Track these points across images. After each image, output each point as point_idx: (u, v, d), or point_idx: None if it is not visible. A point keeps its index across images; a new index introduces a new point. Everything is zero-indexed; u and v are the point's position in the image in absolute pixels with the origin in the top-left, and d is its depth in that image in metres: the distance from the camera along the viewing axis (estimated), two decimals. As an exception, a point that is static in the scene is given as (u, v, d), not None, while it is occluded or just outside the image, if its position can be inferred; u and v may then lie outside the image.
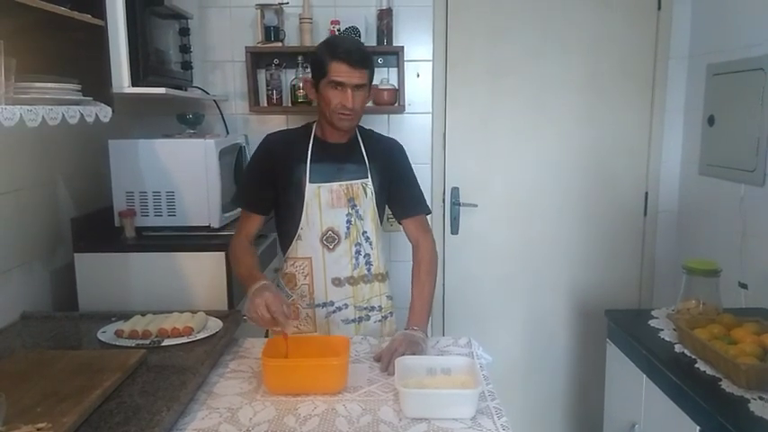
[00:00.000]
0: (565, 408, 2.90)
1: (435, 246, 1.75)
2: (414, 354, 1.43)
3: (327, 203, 1.64)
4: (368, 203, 1.67)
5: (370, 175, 1.67)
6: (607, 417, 2.01)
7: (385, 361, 1.43)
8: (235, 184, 2.25)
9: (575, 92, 2.67)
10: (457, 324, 2.81)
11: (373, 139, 1.75)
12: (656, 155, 2.70)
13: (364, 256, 1.69)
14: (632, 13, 2.62)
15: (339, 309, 1.69)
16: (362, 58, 1.57)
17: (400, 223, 1.75)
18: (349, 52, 1.56)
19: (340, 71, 1.55)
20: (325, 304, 1.69)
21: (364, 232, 1.68)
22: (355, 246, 1.67)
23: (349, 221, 1.66)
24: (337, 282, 1.68)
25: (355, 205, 1.66)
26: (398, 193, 1.73)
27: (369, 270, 1.70)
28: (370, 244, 1.69)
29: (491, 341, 2.24)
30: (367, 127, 1.78)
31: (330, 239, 1.65)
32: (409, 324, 1.59)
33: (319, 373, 1.33)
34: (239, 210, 2.23)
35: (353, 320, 1.70)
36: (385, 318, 1.75)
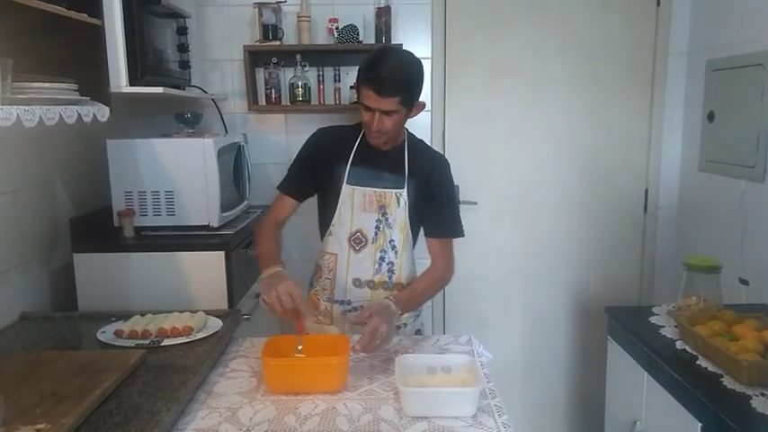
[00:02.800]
0: (566, 405, 2.90)
1: (449, 275, 1.72)
2: (388, 326, 1.42)
3: (359, 206, 1.65)
4: (399, 213, 1.66)
5: (406, 187, 1.66)
6: (608, 414, 2.01)
7: (364, 342, 1.39)
8: (234, 184, 2.24)
9: (574, 89, 2.67)
10: (457, 322, 2.80)
11: (420, 151, 1.72)
12: (655, 151, 2.70)
13: (387, 264, 1.69)
14: (631, 9, 2.61)
15: (355, 309, 1.69)
16: (392, 86, 1.50)
17: (426, 238, 1.73)
18: (378, 80, 1.49)
19: (368, 97, 1.53)
20: (342, 302, 1.71)
21: (391, 240, 1.68)
22: (380, 252, 1.68)
23: (378, 227, 1.66)
24: (358, 283, 1.69)
25: (386, 213, 1.66)
26: (432, 211, 1.70)
27: (390, 278, 1.69)
28: (396, 253, 1.69)
29: (491, 339, 2.24)
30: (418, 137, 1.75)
31: (357, 241, 1.67)
32: (390, 296, 1.56)
33: (319, 372, 1.33)
34: (239, 209, 2.25)
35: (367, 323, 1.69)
36: (398, 327, 1.73)
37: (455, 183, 2.65)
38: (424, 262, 1.75)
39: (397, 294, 1.60)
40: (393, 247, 1.68)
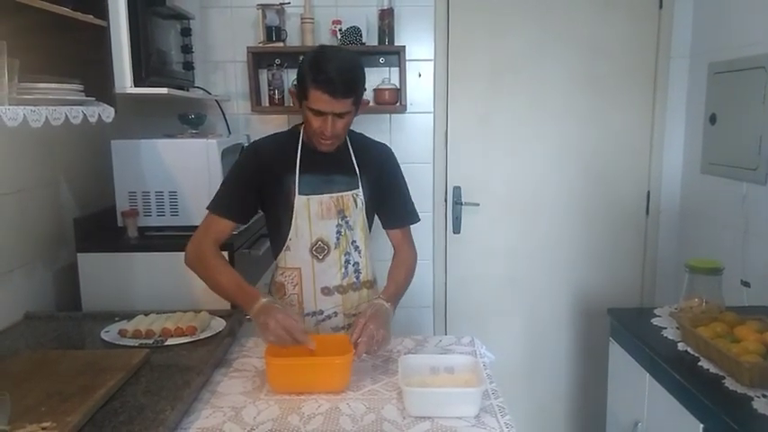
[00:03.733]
0: (568, 406, 2.90)
1: (416, 257, 1.72)
2: (386, 330, 1.42)
3: (317, 215, 1.59)
4: (358, 213, 1.64)
5: (360, 186, 1.63)
6: (610, 415, 2.01)
7: (361, 350, 1.37)
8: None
9: (576, 91, 2.67)
10: (459, 323, 2.81)
11: (364, 145, 1.68)
12: (657, 154, 2.70)
13: (353, 265, 1.66)
14: (634, 11, 2.62)
15: (329, 317, 1.67)
16: (346, 88, 1.45)
17: (387, 229, 1.73)
18: (330, 82, 1.43)
19: (320, 101, 1.45)
20: (314, 313, 1.66)
21: (353, 241, 1.65)
22: (345, 255, 1.65)
23: (339, 232, 1.63)
24: (326, 291, 1.65)
25: (345, 216, 1.62)
26: (388, 202, 1.70)
27: (357, 278, 1.68)
28: (359, 252, 1.67)
29: (493, 340, 2.24)
30: (362, 130, 1.71)
31: (320, 250, 1.62)
32: (380, 295, 1.55)
33: (323, 371, 1.33)
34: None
35: (343, 327, 1.67)
36: None
37: (458, 184, 2.71)
38: (383, 264, 1.73)
39: (385, 291, 1.59)
40: (356, 248, 1.66)
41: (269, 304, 1.42)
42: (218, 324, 1.59)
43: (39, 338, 1.56)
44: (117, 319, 1.62)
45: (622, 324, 1.87)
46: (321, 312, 1.66)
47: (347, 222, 1.63)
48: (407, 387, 1.23)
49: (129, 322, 1.55)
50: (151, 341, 1.47)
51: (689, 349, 1.59)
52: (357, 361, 1.39)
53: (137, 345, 1.45)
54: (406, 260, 1.70)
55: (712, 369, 1.48)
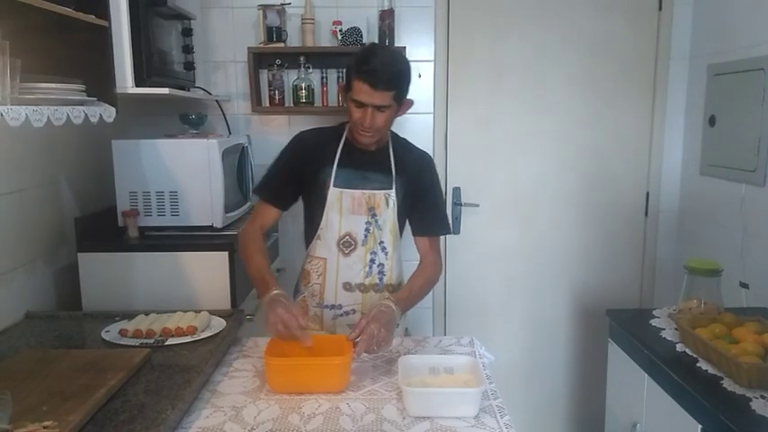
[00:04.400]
0: (567, 406, 2.90)
1: (439, 270, 1.71)
2: (387, 331, 1.41)
3: (348, 209, 1.63)
4: (388, 214, 1.65)
5: (394, 187, 1.65)
6: (609, 415, 2.02)
7: (360, 349, 1.37)
8: (237, 185, 2.26)
9: (576, 92, 2.68)
10: (459, 323, 2.81)
11: (405, 150, 1.71)
12: (657, 155, 2.71)
13: (378, 266, 1.67)
14: (633, 13, 2.62)
15: (347, 313, 1.68)
16: (388, 80, 1.50)
17: (415, 236, 1.73)
18: (373, 72, 1.49)
19: (361, 92, 1.51)
20: (333, 306, 1.68)
21: (381, 242, 1.66)
22: (370, 254, 1.66)
23: (367, 229, 1.65)
24: (348, 287, 1.67)
25: (375, 214, 1.64)
26: (420, 209, 1.70)
27: (381, 280, 1.68)
28: (386, 254, 1.68)
29: (493, 341, 2.25)
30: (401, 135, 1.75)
31: (347, 244, 1.65)
32: (389, 297, 1.55)
33: (322, 372, 1.33)
34: (242, 209, 2.26)
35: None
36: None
37: (458, 184, 2.72)
38: (409, 264, 1.75)
39: (396, 294, 1.59)
40: (383, 249, 1.67)
41: (276, 297, 1.45)
42: (219, 324, 1.59)
43: (39, 338, 1.56)
44: (117, 318, 1.62)
45: (621, 325, 1.88)
46: (340, 307, 1.68)
47: (376, 221, 1.65)
48: (407, 387, 1.24)
49: (130, 322, 1.55)
50: (152, 341, 1.47)
51: (687, 350, 1.60)
52: (357, 360, 1.40)
53: (137, 344, 1.45)
54: (427, 270, 1.69)
55: (711, 370, 1.48)
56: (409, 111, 2.57)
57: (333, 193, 1.63)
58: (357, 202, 1.63)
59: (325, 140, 1.68)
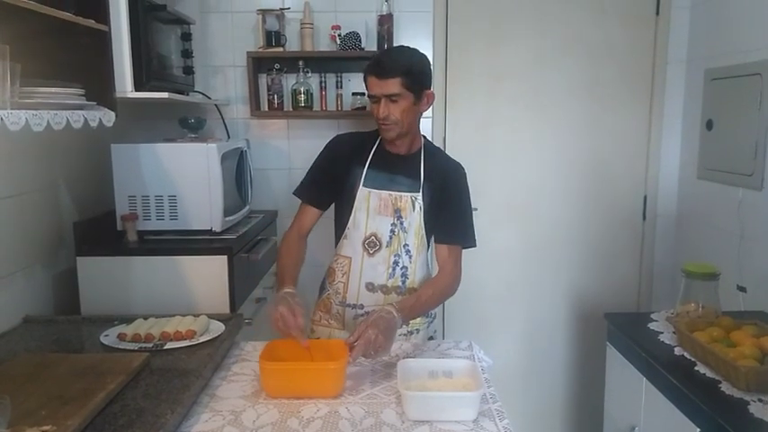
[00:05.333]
0: (565, 410, 2.90)
1: (454, 282, 1.69)
2: (385, 337, 1.40)
3: (375, 209, 1.66)
4: (414, 217, 1.66)
5: (421, 191, 1.66)
6: (607, 419, 2.02)
7: (356, 353, 1.36)
8: (236, 189, 2.26)
9: (574, 96, 2.69)
10: (457, 327, 2.81)
11: (436, 157, 1.73)
12: (654, 159, 2.72)
13: (401, 268, 1.68)
14: (631, 18, 2.64)
15: (368, 313, 1.64)
16: (390, 68, 1.54)
17: (435, 244, 1.72)
18: (376, 63, 1.56)
19: (371, 85, 1.58)
20: (355, 306, 1.70)
21: (405, 245, 1.67)
22: (394, 256, 1.67)
23: (392, 231, 1.66)
24: (371, 287, 1.68)
25: (401, 217, 1.66)
26: (444, 217, 1.70)
27: (403, 282, 1.69)
28: (410, 257, 1.68)
29: (491, 344, 2.25)
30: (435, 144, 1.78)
31: (372, 245, 1.67)
32: (392, 303, 1.54)
33: (316, 376, 1.33)
34: (241, 213, 2.26)
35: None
36: (410, 333, 1.72)
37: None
38: (436, 271, 1.74)
39: (401, 301, 1.58)
40: (407, 252, 1.68)
41: (284, 295, 1.50)
42: (218, 328, 1.59)
43: (38, 342, 1.56)
44: (116, 322, 1.62)
45: (619, 328, 1.88)
46: (362, 307, 1.69)
47: (401, 223, 1.66)
48: (406, 391, 1.24)
49: (129, 326, 1.55)
50: (150, 345, 1.47)
51: (685, 354, 1.60)
52: (356, 365, 1.40)
53: (136, 348, 1.45)
54: (441, 280, 1.67)
55: (709, 373, 1.49)
56: None
57: (362, 192, 1.66)
58: (384, 203, 1.66)
59: (360, 143, 1.72)
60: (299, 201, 1.75)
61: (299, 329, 1.41)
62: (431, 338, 1.80)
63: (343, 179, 1.69)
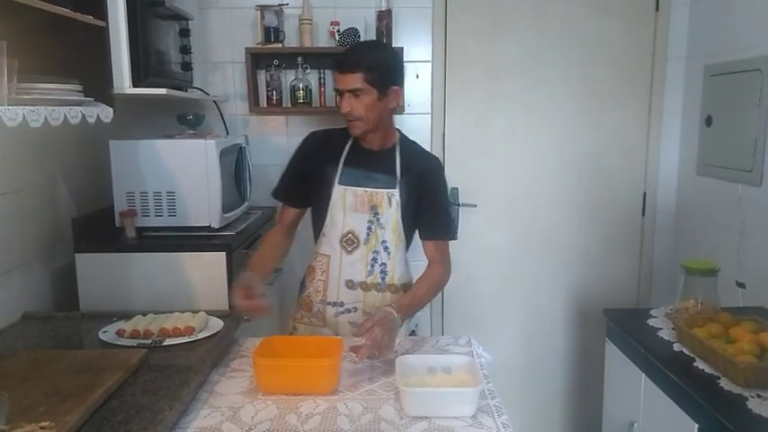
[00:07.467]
0: (564, 406, 2.91)
1: (445, 275, 1.73)
2: (390, 338, 1.44)
3: (351, 206, 1.65)
4: (391, 213, 1.66)
5: (398, 187, 1.66)
6: (606, 415, 2.02)
7: (364, 353, 1.38)
8: (235, 185, 2.26)
9: (573, 93, 2.68)
10: (456, 323, 2.82)
11: (413, 152, 1.72)
12: (654, 155, 2.71)
13: (380, 265, 1.68)
14: (630, 14, 2.63)
15: (348, 311, 1.69)
16: (352, 62, 1.55)
17: (422, 240, 1.74)
18: (339, 58, 1.59)
19: (335, 78, 1.61)
20: (335, 303, 1.70)
21: (384, 241, 1.67)
22: (373, 253, 1.67)
23: (369, 228, 1.66)
24: (350, 284, 1.69)
25: (377, 213, 1.65)
26: (425, 213, 1.70)
27: (383, 279, 1.69)
28: (389, 254, 1.68)
29: (490, 340, 2.25)
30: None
31: (349, 242, 1.67)
32: (391, 304, 1.55)
33: (310, 373, 1.33)
34: (240, 210, 2.26)
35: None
36: None
37: (455, 185, 2.72)
38: (416, 264, 1.76)
39: (398, 300, 1.59)
40: (386, 248, 1.68)
41: (242, 276, 1.58)
42: (216, 324, 1.59)
43: (36, 338, 1.56)
44: (115, 319, 1.62)
45: (618, 325, 1.88)
46: (342, 304, 1.70)
47: (378, 219, 1.66)
48: (405, 387, 1.24)
49: (127, 322, 1.55)
50: (149, 341, 1.47)
51: (684, 350, 1.61)
52: (358, 363, 1.40)
53: (135, 345, 1.45)
54: (433, 275, 1.70)
55: (707, 369, 1.49)
56: (407, 111, 2.64)
57: (337, 189, 1.66)
58: (360, 200, 1.65)
59: (334, 140, 1.71)
60: None
61: (239, 298, 1.48)
62: (412, 333, 1.81)
63: (318, 177, 1.69)
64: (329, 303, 1.71)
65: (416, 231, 1.74)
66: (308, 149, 1.74)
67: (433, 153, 1.78)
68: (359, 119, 1.59)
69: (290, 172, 1.76)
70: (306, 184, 1.72)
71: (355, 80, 1.55)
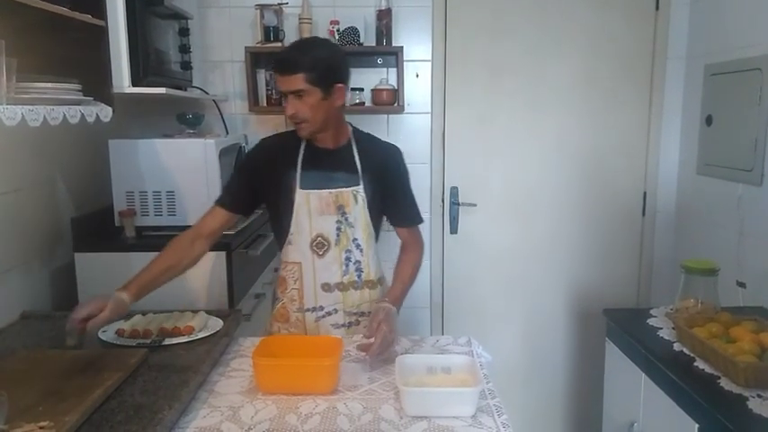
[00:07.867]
0: (564, 406, 2.91)
1: (422, 253, 1.76)
2: (393, 332, 1.45)
3: (317, 210, 1.62)
4: (359, 211, 1.64)
5: (362, 183, 1.64)
6: (606, 415, 2.02)
7: (374, 352, 1.40)
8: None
9: (573, 92, 2.68)
10: (456, 323, 2.81)
11: (370, 144, 1.70)
12: (654, 155, 2.71)
13: (354, 263, 1.67)
14: (630, 13, 2.63)
15: (329, 314, 1.67)
16: (292, 63, 1.50)
17: (394, 227, 1.76)
18: (278, 60, 1.54)
19: (276, 81, 1.60)
20: (314, 309, 1.67)
21: (355, 239, 1.66)
22: (345, 252, 1.65)
23: (339, 228, 1.64)
24: (327, 287, 1.66)
25: (345, 212, 1.63)
26: (392, 202, 1.70)
27: (359, 277, 1.68)
28: (361, 251, 1.67)
29: (490, 340, 2.25)
30: (365, 130, 1.73)
31: (320, 245, 1.64)
32: (385, 298, 1.57)
33: (310, 373, 1.32)
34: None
35: (343, 325, 1.69)
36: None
37: (455, 184, 2.72)
38: (385, 264, 1.77)
39: (390, 293, 1.61)
40: (358, 246, 1.66)
41: (105, 294, 1.45)
42: (216, 324, 1.59)
43: (35, 338, 1.55)
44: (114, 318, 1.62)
45: (618, 324, 1.88)
46: (321, 308, 1.68)
47: (347, 219, 1.64)
48: (405, 387, 1.23)
49: (127, 322, 1.55)
50: (149, 341, 1.47)
51: (684, 349, 1.60)
52: (351, 360, 1.40)
53: (134, 344, 1.45)
54: (413, 259, 1.73)
55: (708, 369, 1.48)
56: (407, 110, 2.64)
57: (300, 195, 1.61)
58: (325, 202, 1.62)
59: (287, 144, 1.66)
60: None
61: (71, 321, 1.35)
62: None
63: (275, 184, 1.63)
64: (308, 310, 1.67)
65: (383, 221, 1.74)
66: (261, 156, 1.68)
67: (391, 143, 1.73)
68: (305, 120, 1.55)
69: (240, 178, 1.71)
70: (256, 192, 1.67)
71: (297, 81, 1.50)
